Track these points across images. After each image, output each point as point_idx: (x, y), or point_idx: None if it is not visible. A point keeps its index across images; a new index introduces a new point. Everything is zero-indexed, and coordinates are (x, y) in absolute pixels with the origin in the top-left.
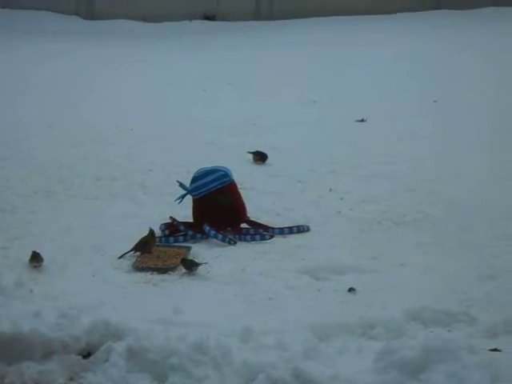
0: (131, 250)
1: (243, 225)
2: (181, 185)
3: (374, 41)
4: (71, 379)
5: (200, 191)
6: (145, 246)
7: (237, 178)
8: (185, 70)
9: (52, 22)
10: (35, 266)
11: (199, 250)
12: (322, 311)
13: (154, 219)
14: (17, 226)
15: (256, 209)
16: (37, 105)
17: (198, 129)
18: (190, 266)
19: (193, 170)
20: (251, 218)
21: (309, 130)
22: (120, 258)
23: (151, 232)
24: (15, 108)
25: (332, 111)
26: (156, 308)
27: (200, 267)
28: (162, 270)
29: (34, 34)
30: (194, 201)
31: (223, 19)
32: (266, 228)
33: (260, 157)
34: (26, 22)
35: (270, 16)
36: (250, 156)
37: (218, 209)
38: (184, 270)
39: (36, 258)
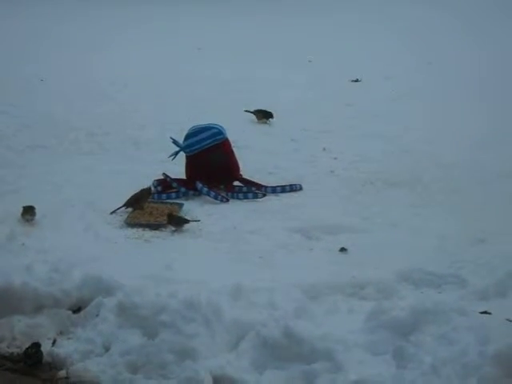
0: (123, 206)
1: (236, 183)
2: (174, 141)
3: (371, 4)
4: (61, 333)
5: (193, 148)
6: (137, 201)
7: (230, 135)
8: (182, 27)
9: None
10: (28, 220)
11: (191, 207)
12: (313, 270)
13: (146, 175)
14: (9, 179)
15: (249, 167)
16: (30, 60)
17: (192, 86)
18: (179, 222)
19: (186, 127)
20: (244, 176)
21: (304, 89)
22: (112, 213)
23: (146, 189)
24: (8, 63)
25: (327, 71)
26: (147, 264)
27: (192, 224)
28: (154, 226)
29: None
30: (187, 158)
31: None
32: (258, 186)
33: (264, 115)
34: None
35: None
36: (251, 116)
37: (211, 166)
38: (173, 228)
39: (29, 212)
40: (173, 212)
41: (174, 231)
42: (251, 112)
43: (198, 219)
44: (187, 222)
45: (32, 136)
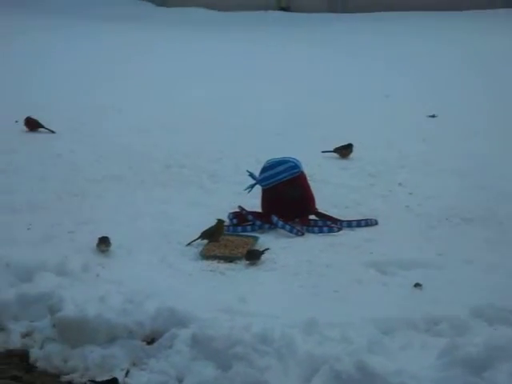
0: (198, 238)
1: (311, 216)
2: (250, 174)
3: (444, 38)
4: (134, 364)
5: (269, 181)
6: (212, 234)
7: (306, 169)
8: (254, 59)
9: (125, 7)
10: (103, 251)
11: (266, 240)
12: (387, 305)
13: (222, 208)
14: (85, 210)
15: (325, 201)
16: (107, 90)
17: (267, 119)
18: (256, 255)
19: (262, 160)
20: (319, 210)
21: (380, 124)
22: (187, 245)
23: (220, 221)
24: (87, 93)
25: (404, 106)
26: (221, 296)
27: (266, 257)
28: (229, 259)
29: (108, 19)
30: (263, 191)
31: (298, 10)
32: (334, 220)
33: (346, 149)
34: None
35: (344, 9)
36: (334, 154)
37: (287, 200)
38: (249, 262)
39: (104, 242)
40: (249, 245)
41: (249, 264)
42: (332, 151)
43: (267, 248)
44: (263, 252)
45: (108, 167)
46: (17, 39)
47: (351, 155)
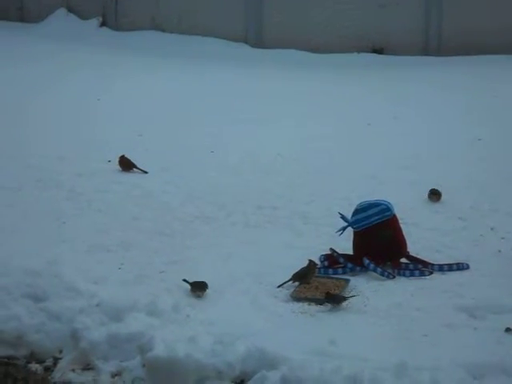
0: (290, 280)
1: (403, 260)
2: (342, 217)
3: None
4: None
5: (361, 224)
6: (304, 276)
7: (398, 212)
8: (348, 101)
9: (221, 48)
10: (199, 296)
11: (357, 283)
12: (477, 350)
13: (313, 250)
14: (176, 249)
15: (416, 244)
16: (198, 131)
17: (359, 161)
18: (337, 300)
19: (355, 203)
20: (411, 254)
21: (472, 167)
22: (279, 287)
23: (311, 263)
24: (177, 133)
25: (496, 149)
26: (312, 338)
27: (357, 299)
28: (320, 301)
29: (207, 59)
30: (355, 233)
31: (391, 53)
32: (425, 264)
33: (437, 196)
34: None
35: (438, 51)
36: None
37: (379, 243)
38: (330, 305)
39: (201, 287)
40: (341, 288)
41: (334, 308)
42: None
43: (356, 294)
44: (345, 299)
45: (199, 207)
46: (105, 83)
47: (442, 199)
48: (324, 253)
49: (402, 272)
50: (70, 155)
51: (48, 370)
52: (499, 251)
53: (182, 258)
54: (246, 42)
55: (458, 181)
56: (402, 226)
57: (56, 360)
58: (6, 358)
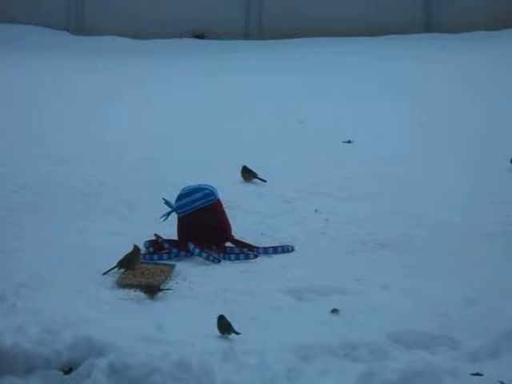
0: (115, 267)
1: (228, 244)
2: (166, 202)
3: (357, 63)
4: None
5: (185, 209)
6: (129, 262)
7: (222, 196)
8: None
9: (41, 37)
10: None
11: (183, 268)
12: (304, 332)
13: (138, 236)
14: (1, 239)
15: (241, 228)
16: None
17: (183, 146)
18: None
19: (179, 188)
20: (236, 237)
21: (296, 150)
22: (104, 274)
23: (136, 249)
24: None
25: (319, 132)
26: (139, 325)
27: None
28: (145, 288)
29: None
30: (179, 219)
31: (212, 38)
32: (250, 247)
33: (248, 174)
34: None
35: (260, 35)
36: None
37: (203, 227)
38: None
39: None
40: (166, 273)
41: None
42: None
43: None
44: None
45: (23, 197)
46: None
47: (254, 181)
48: (149, 239)
49: (227, 256)
50: None
51: None
52: (323, 233)
53: (8, 249)
54: (67, 30)
55: (281, 163)
56: (226, 209)
57: None
58: None
